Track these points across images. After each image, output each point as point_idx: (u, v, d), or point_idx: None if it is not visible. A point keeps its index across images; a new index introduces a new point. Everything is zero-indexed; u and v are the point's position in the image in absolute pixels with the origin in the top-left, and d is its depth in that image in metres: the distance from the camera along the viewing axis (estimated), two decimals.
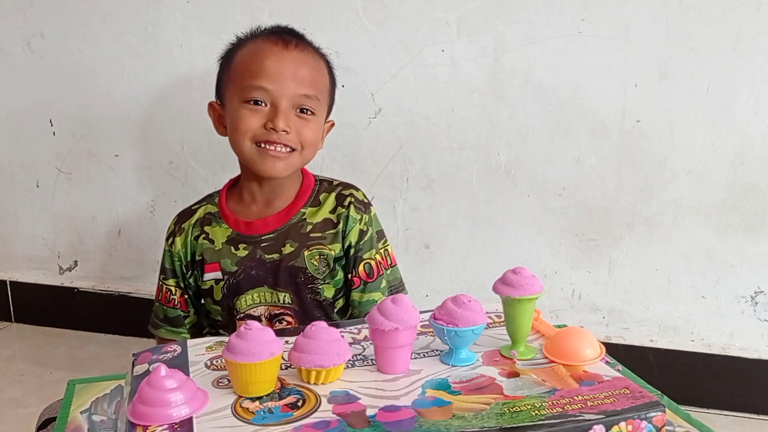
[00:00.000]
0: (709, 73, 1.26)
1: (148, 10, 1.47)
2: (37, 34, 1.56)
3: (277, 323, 1.08)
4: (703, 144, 1.29)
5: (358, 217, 1.09)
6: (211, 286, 1.09)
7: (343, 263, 1.10)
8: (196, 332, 1.16)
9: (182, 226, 1.13)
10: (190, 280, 1.13)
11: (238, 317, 1.09)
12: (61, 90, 1.57)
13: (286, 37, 1.07)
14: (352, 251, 1.09)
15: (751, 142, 1.27)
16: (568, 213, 1.38)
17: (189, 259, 1.12)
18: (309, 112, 1.04)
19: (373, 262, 1.10)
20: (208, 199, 1.15)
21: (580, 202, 1.36)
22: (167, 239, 1.14)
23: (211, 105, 1.12)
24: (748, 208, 1.30)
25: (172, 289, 1.13)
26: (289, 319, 1.09)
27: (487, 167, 1.39)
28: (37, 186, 1.65)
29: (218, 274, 1.08)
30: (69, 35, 1.53)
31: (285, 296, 1.08)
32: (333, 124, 1.15)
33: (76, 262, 1.69)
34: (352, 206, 1.09)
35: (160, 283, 1.14)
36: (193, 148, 1.52)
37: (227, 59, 1.10)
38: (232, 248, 1.08)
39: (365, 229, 1.10)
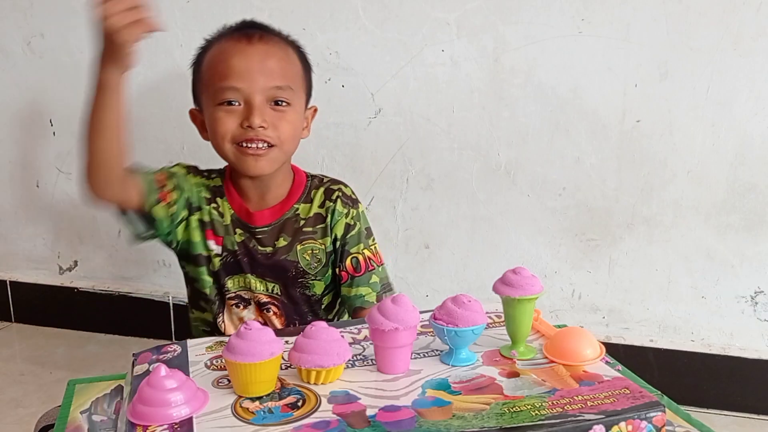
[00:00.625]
0: (709, 73, 1.26)
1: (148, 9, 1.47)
2: (37, 34, 1.56)
3: (264, 311, 1.09)
4: (703, 144, 1.29)
5: (345, 211, 1.09)
6: (209, 255, 1.09)
7: (333, 258, 1.10)
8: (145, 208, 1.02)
9: (199, 177, 1.10)
10: (181, 222, 1.07)
11: (228, 295, 1.09)
12: (61, 90, 1.57)
13: (249, 31, 1.05)
14: (338, 244, 1.09)
15: (751, 142, 1.27)
16: (568, 213, 1.38)
17: (191, 202, 1.07)
18: (284, 104, 1.03)
19: (360, 257, 1.10)
20: (218, 174, 1.13)
21: (580, 202, 1.37)
22: (185, 166, 1.09)
23: (191, 112, 1.11)
24: (748, 208, 1.30)
25: (168, 184, 1.04)
26: (275, 310, 1.09)
27: (487, 167, 1.39)
28: (37, 186, 1.65)
29: (218, 249, 1.08)
30: (69, 35, 1.53)
31: (274, 287, 1.08)
32: (316, 110, 1.13)
33: (76, 262, 1.69)
34: (339, 200, 1.09)
35: (162, 171, 1.06)
36: (193, 148, 1.52)
37: (197, 64, 1.08)
38: (233, 230, 1.08)
39: (352, 223, 1.10)
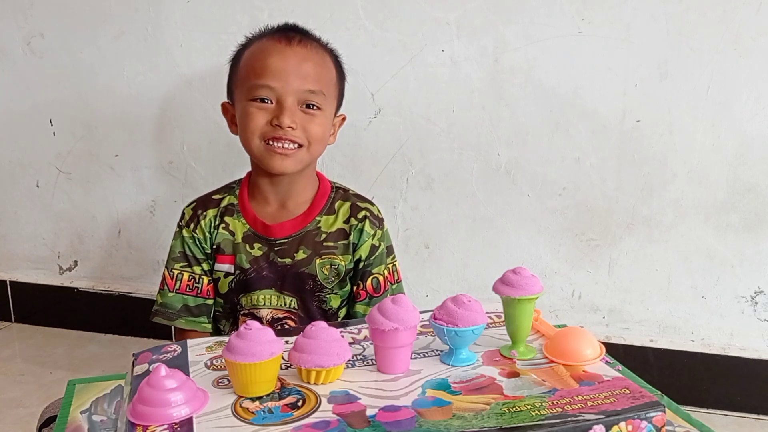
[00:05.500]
0: (709, 73, 1.26)
1: (148, 10, 1.47)
2: (37, 34, 1.56)
3: (279, 327, 1.08)
4: (703, 144, 1.29)
5: (372, 232, 1.09)
6: (219, 278, 1.09)
7: (351, 275, 1.11)
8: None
9: (205, 213, 1.10)
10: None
11: (241, 312, 1.09)
12: (61, 90, 1.57)
13: (290, 33, 1.07)
14: (361, 265, 1.10)
15: (751, 142, 1.27)
16: (568, 213, 1.38)
17: (210, 245, 1.10)
18: (315, 107, 1.04)
19: (381, 278, 1.11)
20: (228, 190, 1.13)
21: (580, 202, 1.36)
22: (187, 225, 1.10)
23: (223, 106, 1.13)
24: (748, 208, 1.30)
25: (197, 276, 1.09)
26: (292, 324, 1.09)
27: (487, 167, 1.39)
28: (37, 186, 1.65)
29: (230, 268, 1.08)
30: (69, 35, 1.53)
31: (291, 301, 1.08)
32: (344, 119, 1.15)
33: (76, 262, 1.69)
34: (367, 221, 1.09)
35: (178, 271, 1.10)
36: (193, 148, 1.52)
37: (236, 60, 1.10)
38: (248, 246, 1.08)
39: (377, 244, 1.10)
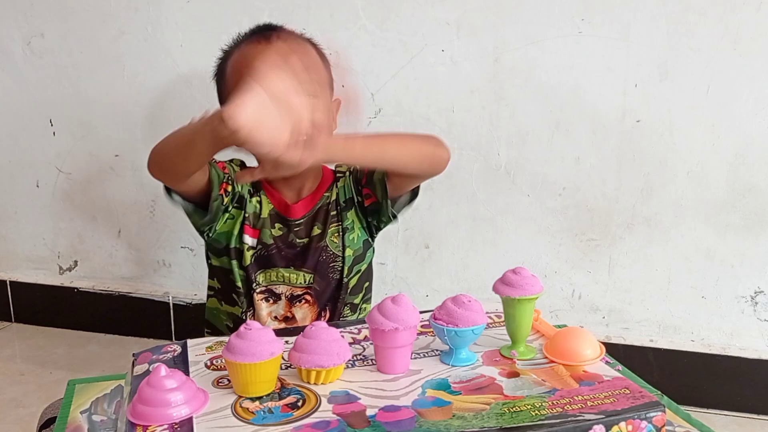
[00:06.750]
0: (709, 73, 1.26)
1: (148, 10, 1.47)
2: (37, 34, 1.56)
3: (297, 303, 1.10)
4: (703, 144, 1.29)
5: (342, 175, 1.11)
6: (242, 249, 1.10)
7: (364, 224, 1.12)
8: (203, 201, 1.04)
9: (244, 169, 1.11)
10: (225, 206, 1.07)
11: (257, 290, 1.10)
12: (61, 90, 1.57)
13: (266, 33, 1.08)
14: (361, 187, 1.11)
15: (751, 142, 1.27)
16: (568, 213, 1.38)
17: (242, 195, 1.08)
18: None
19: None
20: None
21: (580, 202, 1.37)
22: (239, 162, 1.11)
23: None
24: (748, 208, 1.30)
25: (221, 172, 1.05)
26: (309, 298, 1.10)
27: (487, 167, 1.39)
28: (37, 186, 1.65)
29: (254, 242, 1.09)
30: (69, 35, 1.53)
31: (310, 278, 1.09)
32: (340, 102, 1.15)
33: (76, 262, 1.69)
34: (340, 179, 1.12)
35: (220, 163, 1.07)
36: None
37: (220, 75, 1.11)
38: (271, 224, 1.10)
39: (350, 170, 1.12)
